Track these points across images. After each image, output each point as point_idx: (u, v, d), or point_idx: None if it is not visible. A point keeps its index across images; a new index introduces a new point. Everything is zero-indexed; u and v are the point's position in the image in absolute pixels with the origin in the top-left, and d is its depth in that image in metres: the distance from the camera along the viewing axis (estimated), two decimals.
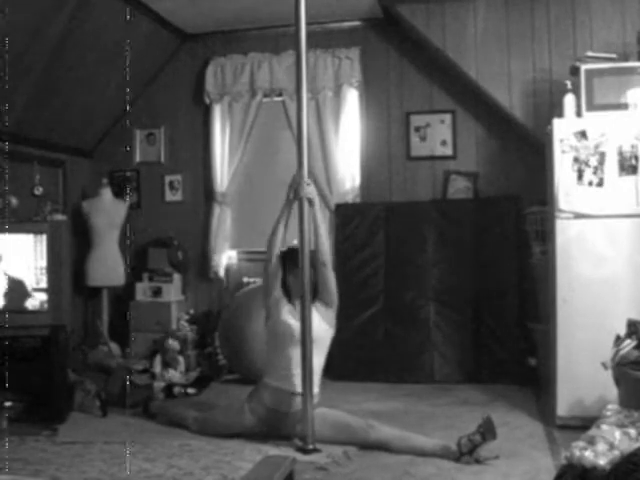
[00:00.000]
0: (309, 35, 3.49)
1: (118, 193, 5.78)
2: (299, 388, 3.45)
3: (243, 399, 3.66)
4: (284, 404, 3.52)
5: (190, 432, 3.70)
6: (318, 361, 3.56)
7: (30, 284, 4.23)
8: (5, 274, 4.20)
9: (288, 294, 3.69)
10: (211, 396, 4.62)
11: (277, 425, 3.53)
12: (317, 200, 3.59)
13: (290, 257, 3.63)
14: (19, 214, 4.63)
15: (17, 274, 4.19)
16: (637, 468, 2.15)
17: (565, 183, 3.75)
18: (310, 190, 3.49)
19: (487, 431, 3.19)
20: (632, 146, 3.69)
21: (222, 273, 5.67)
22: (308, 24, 3.47)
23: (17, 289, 4.20)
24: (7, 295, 4.18)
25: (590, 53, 4.14)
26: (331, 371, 5.01)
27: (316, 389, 3.54)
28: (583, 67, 3.94)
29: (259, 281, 5.40)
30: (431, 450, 3.29)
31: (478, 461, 3.17)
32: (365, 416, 3.96)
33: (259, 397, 3.58)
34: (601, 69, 3.95)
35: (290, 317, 3.59)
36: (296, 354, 3.49)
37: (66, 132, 5.47)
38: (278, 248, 3.64)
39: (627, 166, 3.70)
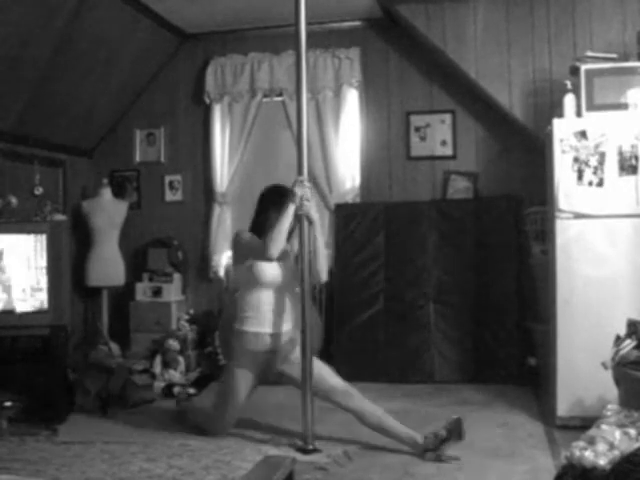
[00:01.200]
0: (309, 35, 3.49)
1: (118, 193, 5.78)
2: (274, 328, 3.58)
3: (226, 367, 3.68)
4: (264, 344, 3.58)
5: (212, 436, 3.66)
6: (289, 302, 3.66)
7: (31, 284, 4.23)
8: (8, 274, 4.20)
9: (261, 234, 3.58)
10: (211, 396, 4.62)
11: (265, 367, 3.61)
12: (317, 218, 3.57)
13: (274, 196, 3.64)
14: (19, 214, 4.63)
15: (22, 275, 4.19)
16: (637, 468, 2.15)
17: (565, 183, 3.75)
18: (307, 194, 3.47)
19: (454, 430, 3.23)
20: (632, 146, 3.70)
21: (222, 273, 5.66)
22: (308, 24, 3.48)
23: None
24: (9, 295, 4.18)
25: (590, 53, 4.14)
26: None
27: (289, 326, 3.63)
28: (583, 67, 3.94)
29: None
30: (400, 438, 3.34)
31: (440, 459, 3.19)
32: None
33: (240, 348, 3.58)
34: (601, 69, 3.95)
35: (263, 264, 3.56)
36: (266, 297, 3.58)
37: (66, 132, 5.47)
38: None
39: (627, 166, 3.70)
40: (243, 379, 3.59)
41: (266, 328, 3.59)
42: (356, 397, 3.50)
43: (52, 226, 4.32)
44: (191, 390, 4.66)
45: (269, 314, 3.59)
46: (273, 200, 3.63)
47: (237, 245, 3.66)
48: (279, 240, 3.44)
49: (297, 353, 3.55)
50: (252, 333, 3.58)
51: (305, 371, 3.45)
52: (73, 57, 4.84)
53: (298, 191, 3.43)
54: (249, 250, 3.58)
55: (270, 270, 3.58)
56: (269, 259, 3.47)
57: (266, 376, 3.68)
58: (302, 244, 3.48)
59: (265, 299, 3.60)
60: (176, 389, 4.63)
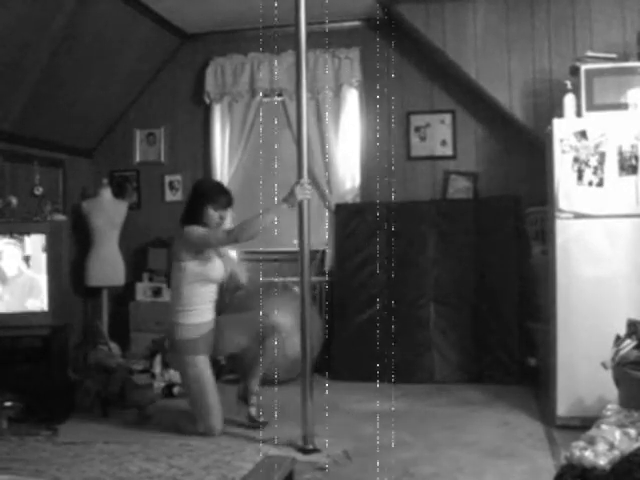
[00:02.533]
0: (309, 35, 3.49)
1: (118, 193, 5.78)
2: (209, 317, 3.78)
3: (181, 361, 3.75)
4: (203, 331, 3.73)
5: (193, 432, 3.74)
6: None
7: (30, 284, 4.23)
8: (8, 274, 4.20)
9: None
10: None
11: (212, 344, 3.79)
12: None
13: (214, 192, 3.80)
14: (19, 214, 4.63)
15: (21, 274, 4.19)
16: (637, 468, 2.15)
17: (565, 183, 3.75)
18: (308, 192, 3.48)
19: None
20: (632, 146, 3.70)
21: None
22: (308, 24, 3.47)
23: (21, 290, 4.20)
24: (10, 295, 4.18)
25: (590, 53, 4.13)
26: (331, 371, 5.03)
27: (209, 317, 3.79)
28: (583, 67, 3.94)
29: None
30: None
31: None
32: (365, 416, 3.97)
33: (188, 339, 3.69)
34: (601, 69, 3.95)
35: (216, 261, 3.75)
36: (210, 290, 3.77)
37: (66, 132, 5.47)
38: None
39: (627, 166, 3.70)
40: (204, 364, 3.73)
41: (207, 318, 3.77)
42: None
43: (52, 226, 4.32)
44: None
45: (210, 305, 3.79)
46: (212, 197, 3.75)
47: (190, 238, 3.66)
48: (252, 232, 3.54)
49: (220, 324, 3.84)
50: (196, 325, 3.72)
51: (305, 369, 3.45)
52: (73, 57, 4.84)
53: (299, 194, 3.42)
54: (203, 241, 3.65)
55: (220, 268, 3.80)
56: (233, 241, 3.60)
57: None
58: (302, 244, 3.48)
59: (209, 292, 3.78)
60: (176, 389, 4.63)
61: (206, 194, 3.78)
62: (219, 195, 3.79)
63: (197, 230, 3.66)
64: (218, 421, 3.72)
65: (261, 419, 3.84)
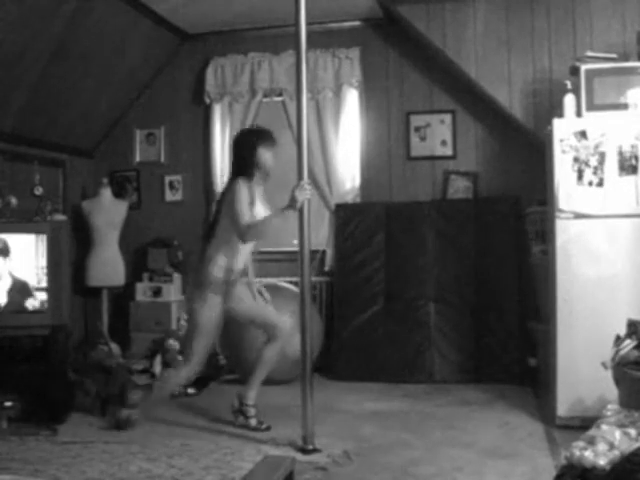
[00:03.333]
0: (309, 35, 3.49)
1: (118, 193, 5.78)
2: (240, 265, 3.77)
3: (198, 295, 3.71)
4: (227, 275, 3.70)
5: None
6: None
7: (32, 284, 4.23)
8: (10, 274, 4.20)
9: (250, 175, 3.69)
10: (211, 396, 4.63)
11: (231, 299, 3.76)
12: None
13: (266, 136, 3.76)
14: (19, 214, 4.63)
15: (21, 275, 4.19)
16: (637, 468, 2.15)
17: (565, 183, 3.75)
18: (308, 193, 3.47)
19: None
20: (632, 146, 3.70)
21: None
22: (308, 24, 3.47)
23: (21, 290, 4.20)
24: (10, 295, 4.18)
25: (590, 53, 4.13)
26: (331, 371, 5.03)
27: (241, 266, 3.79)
28: (583, 67, 3.94)
29: (259, 281, 5.40)
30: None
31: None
32: (365, 416, 3.97)
33: (215, 277, 3.66)
34: (601, 69, 3.95)
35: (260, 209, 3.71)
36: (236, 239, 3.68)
37: (66, 132, 5.47)
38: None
39: (627, 166, 3.70)
40: (216, 307, 3.69)
41: (238, 267, 3.75)
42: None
43: (52, 226, 4.32)
44: (191, 390, 4.66)
45: (242, 259, 3.77)
46: (262, 136, 3.73)
47: (236, 197, 3.60)
48: (259, 233, 3.60)
49: (240, 291, 3.83)
50: (226, 268, 3.69)
51: (305, 369, 3.45)
52: (73, 57, 4.84)
53: (299, 196, 3.41)
54: (239, 211, 3.59)
55: (262, 214, 3.71)
56: (244, 234, 3.56)
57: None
58: (302, 244, 3.48)
59: (247, 247, 3.77)
60: (176, 389, 4.63)
61: (255, 136, 3.75)
62: (266, 133, 3.78)
63: (244, 196, 3.60)
64: (193, 370, 3.78)
65: (263, 425, 3.82)
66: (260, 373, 3.86)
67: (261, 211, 3.69)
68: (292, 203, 3.43)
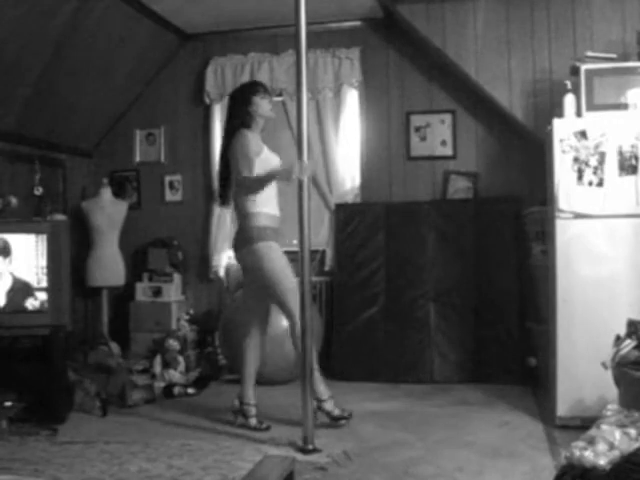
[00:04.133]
0: (309, 35, 3.49)
1: (118, 193, 5.78)
2: (277, 210, 3.82)
3: (254, 251, 3.70)
4: (276, 222, 3.80)
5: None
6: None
7: (32, 284, 4.23)
8: (11, 274, 4.20)
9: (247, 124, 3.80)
10: (211, 396, 4.63)
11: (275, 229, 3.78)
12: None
13: (258, 87, 3.89)
14: (19, 214, 4.63)
15: (22, 275, 4.19)
16: (637, 468, 2.15)
17: (565, 183, 3.75)
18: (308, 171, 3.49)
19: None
20: (632, 146, 3.69)
21: (222, 273, 5.67)
22: (308, 24, 3.47)
23: (21, 290, 4.20)
24: (10, 295, 4.18)
25: (590, 53, 4.13)
26: (331, 371, 5.03)
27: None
28: (583, 67, 3.94)
29: None
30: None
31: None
32: (365, 416, 3.97)
33: (266, 226, 3.71)
34: (601, 69, 3.94)
35: (273, 156, 3.83)
36: (274, 187, 3.80)
37: (66, 132, 5.47)
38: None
39: (627, 166, 3.70)
40: (278, 250, 3.72)
41: (274, 211, 3.80)
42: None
43: (52, 226, 4.31)
44: (191, 390, 4.66)
45: (275, 200, 3.81)
46: (254, 87, 3.89)
47: (241, 144, 3.71)
48: (255, 186, 3.69)
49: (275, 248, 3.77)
50: (265, 213, 3.74)
51: (305, 370, 3.45)
52: (73, 57, 4.84)
53: (296, 172, 3.43)
54: (244, 158, 3.69)
55: (273, 159, 3.82)
56: (243, 183, 3.70)
57: None
58: (302, 244, 3.48)
59: (274, 187, 3.80)
60: (176, 389, 4.63)
61: (248, 88, 3.90)
62: (258, 84, 3.94)
63: (252, 145, 3.72)
64: (298, 321, 3.60)
65: (263, 425, 3.80)
66: (247, 368, 3.86)
67: (272, 158, 3.81)
68: (287, 175, 3.49)
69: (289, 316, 3.69)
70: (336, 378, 4.91)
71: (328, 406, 3.76)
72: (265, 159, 3.76)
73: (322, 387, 3.77)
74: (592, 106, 3.87)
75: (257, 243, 3.68)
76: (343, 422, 3.76)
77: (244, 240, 3.74)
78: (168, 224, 5.80)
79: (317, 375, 3.72)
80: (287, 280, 3.68)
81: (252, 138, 3.75)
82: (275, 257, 3.70)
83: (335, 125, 5.48)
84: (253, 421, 3.81)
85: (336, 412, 3.76)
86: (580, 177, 3.74)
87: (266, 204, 3.74)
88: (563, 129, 3.77)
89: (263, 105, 3.82)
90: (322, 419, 3.73)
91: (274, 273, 3.68)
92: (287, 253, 5.30)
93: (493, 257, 4.96)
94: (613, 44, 4.32)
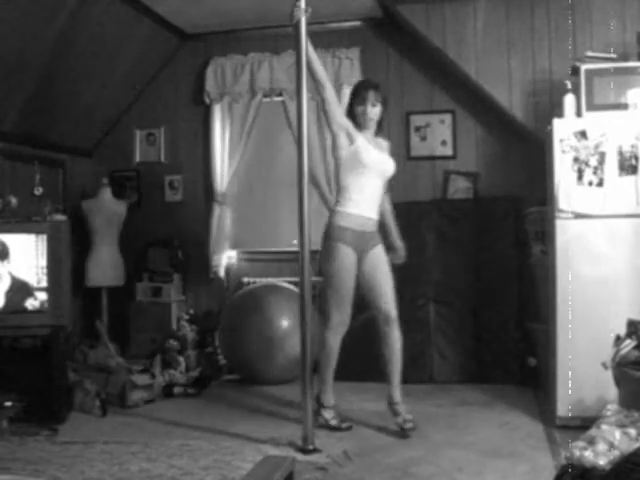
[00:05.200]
0: (309, 35, 3.49)
1: (118, 193, 5.78)
2: (370, 213, 3.76)
3: (327, 248, 3.72)
4: (364, 224, 3.74)
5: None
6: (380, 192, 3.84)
7: (32, 284, 4.23)
8: (10, 274, 4.19)
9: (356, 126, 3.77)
10: (211, 396, 4.63)
11: (361, 245, 3.73)
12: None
13: (358, 90, 3.83)
14: (19, 214, 4.62)
15: (21, 275, 4.19)
16: (637, 468, 2.15)
17: (565, 183, 3.75)
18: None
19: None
20: (632, 146, 3.69)
21: (222, 273, 5.66)
22: (308, 24, 3.47)
23: (20, 290, 4.20)
24: (9, 295, 4.18)
25: (590, 53, 4.13)
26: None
27: (376, 216, 3.82)
28: (583, 67, 3.94)
29: (259, 281, 5.41)
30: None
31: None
32: (365, 416, 3.97)
33: (341, 227, 3.70)
34: (601, 69, 3.94)
35: (369, 149, 3.71)
36: (366, 181, 3.72)
37: (66, 132, 5.47)
38: (327, 76, 3.74)
39: (627, 166, 3.70)
40: (347, 255, 3.68)
41: (364, 211, 3.74)
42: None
43: (52, 226, 4.31)
44: (191, 390, 4.66)
45: (370, 199, 3.75)
46: (355, 93, 3.83)
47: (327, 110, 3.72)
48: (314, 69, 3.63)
49: (379, 249, 3.82)
50: (355, 215, 3.71)
51: (305, 369, 3.45)
52: (73, 57, 4.85)
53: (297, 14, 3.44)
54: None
55: (371, 154, 3.72)
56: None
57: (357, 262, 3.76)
58: (302, 244, 3.48)
59: (366, 183, 3.72)
60: (176, 389, 4.63)
61: (351, 95, 3.87)
62: (360, 90, 3.82)
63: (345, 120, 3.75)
64: (345, 318, 3.76)
65: (344, 424, 3.78)
66: (325, 365, 3.87)
67: (375, 155, 3.74)
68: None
69: (323, 318, 3.83)
70: (336, 378, 4.90)
71: (329, 414, 3.83)
72: (359, 148, 3.70)
73: (330, 394, 3.89)
74: (592, 106, 3.87)
75: (329, 241, 3.72)
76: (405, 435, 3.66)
77: (323, 235, 3.78)
78: (168, 224, 5.80)
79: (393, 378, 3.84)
80: (336, 287, 3.72)
81: (352, 126, 3.74)
82: (336, 260, 3.70)
83: None
84: (400, 419, 3.72)
85: (400, 420, 3.71)
86: (580, 177, 3.74)
87: (356, 206, 3.71)
88: (563, 129, 3.77)
89: (359, 110, 3.78)
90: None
91: (327, 274, 3.76)
92: (287, 253, 5.36)
93: (493, 257, 4.96)
94: (613, 44, 4.32)
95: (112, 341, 5.16)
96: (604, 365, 3.24)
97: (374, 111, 3.75)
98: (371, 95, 3.74)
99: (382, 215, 3.89)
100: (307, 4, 3.44)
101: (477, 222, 5.04)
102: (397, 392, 3.81)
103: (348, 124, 3.72)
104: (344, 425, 3.77)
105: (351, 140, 3.69)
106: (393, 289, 3.85)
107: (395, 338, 3.84)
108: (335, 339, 3.80)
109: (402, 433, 3.63)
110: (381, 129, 3.89)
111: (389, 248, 3.91)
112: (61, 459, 3.33)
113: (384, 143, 3.92)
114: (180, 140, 5.88)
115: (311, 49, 3.58)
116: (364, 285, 3.79)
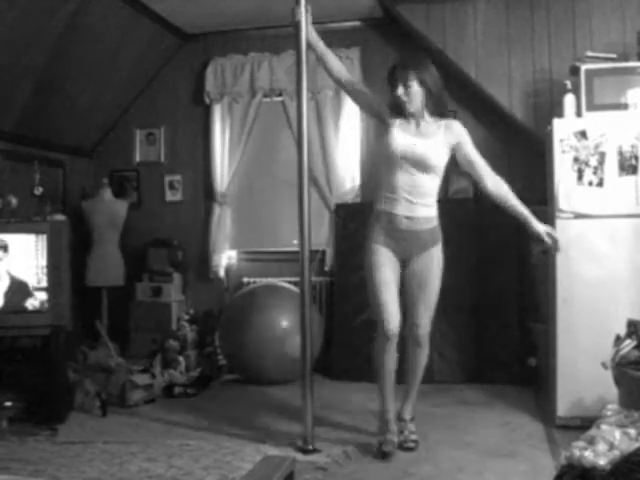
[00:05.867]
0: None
1: (118, 193, 5.78)
2: (406, 211, 3.36)
3: (363, 248, 3.45)
4: (399, 223, 3.37)
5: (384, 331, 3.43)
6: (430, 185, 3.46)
7: (32, 284, 4.23)
8: (9, 274, 4.20)
9: (397, 114, 3.39)
10: (211, 396, 4.62)
11: (402, 248, 3.41)
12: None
13: (389, 72, 3.40)
14: (19, 214, 4.63)
15: (20, 274, 4.19)
16: (637, 468, 2.15)
17: (565, 183, 3.75)
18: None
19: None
20: (632, 146, 3.69)
21: (222, 273, 5.67)
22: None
23: (20, 290, 4.20)
24: (8, 295, 4.18)
25: (590, 53, 4.13)
26: (331, 371, 5.03)
27: (430, 212, 3.52)
28: (583, 67, 3.94)
29: (259, 281, 5.41)
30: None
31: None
32: (365, 416, 3.97)
33: (376, 225, 3.40)
34: (601, 69, 3.95)
35: (396, 137, 3.33)
36: (402, 178, 3.32)
37: (66, 132, 5.47)
38: (339, 68, 3.54)
39: (627, 166, 3.70)
40: (380, 254, 3.36)
41: (400, 210, 3.36)
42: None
43: (52, 226, 4.31)
44: (191, 390, 4.66)
45: (405, 195, 3.34)
46: (387, 76, 3.42)
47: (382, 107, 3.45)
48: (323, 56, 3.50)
49: (437, 251, 3.55)
50: (386, 213, 3.37)
51: (305, 370, 3.45)
52: (73, 57, 4.85)
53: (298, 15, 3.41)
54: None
55: (401, 139, 3.32)
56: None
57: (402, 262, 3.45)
58: (302, 244, 3.48)
59: (401, 178, 3.33)
60: (176, 389, 4.63)
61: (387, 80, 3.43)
62: (390, 71, 3.39)
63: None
64: (391, 321, 3.35)
65: (412, 444, 3.42)
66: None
67: (403, 140, 3.31)
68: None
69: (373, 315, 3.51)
70: (336, 378, 4.92)
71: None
72: (387, 135, 3.36)
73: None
74: (592, 106, 3.87)
75: (365, 240, 3.46)
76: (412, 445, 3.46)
77: (369, 228, 3.50)
78: (168, 224, 5.80)
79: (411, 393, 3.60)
80: (370, 282, 3.39)
81: (389, 115, 3.41)
82: (369, 258, 3.40)
83: (335, 125, 5.48)
84: (395, 438, 3.44)
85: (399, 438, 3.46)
86: (580, 177, 3.74)
87: (389, 202, 3.37)
88: (563, 129, 3.77)
89: (393, 95, 3.38)
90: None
91: (365, 272, 3.45)
92: (287, 253, 5.36)
93: (493, 257, 4.96)
94: (613, 44, 4.32)
95: (112, 341, 5.16)
96: (604, 365, 3.24)
97: (408, 93, 3.29)
98: (400, 75, 3.30)
99: (501, 201, 3.54)
100: (307, 4, 3.44)
101: (477, 222, 5.04)
102: (407, 408, 3.58)
103: (380, 111, 3.42)
104: (386, 449, 3.34)
105: (385, 128, 3.38)
106: (431, 305, 3.56)
107: (415, 355, 3.53)
108: (380, 347, 3.46)
109: (400, 446, 3.41)
110: (442, 111, 3.46)
111: (531, 239, 3.43)
112: (61, 459, 3.33)
113: (437, 127, 3.40)
114: (180, 140, 5.88)
115: (322, 44, 3.46)
116: (403, 293, 3.47)
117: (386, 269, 3.37)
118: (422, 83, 3.33)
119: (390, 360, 3.46)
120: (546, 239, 3.33)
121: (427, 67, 3.40)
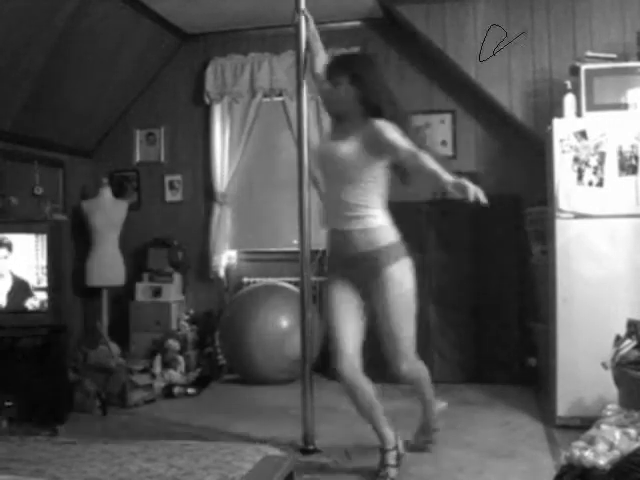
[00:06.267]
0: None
1: (118, 193, 5.78)
2: (340, 225, 3.00)
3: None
4: (337, 243, 3.06)
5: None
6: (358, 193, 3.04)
7: (32, 284, 4.23)
8: (11, 273, 4.20)
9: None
10: (211, 396, 4.62)
11: (347, 268, 3.03)
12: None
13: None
14: (19, 214, 4.63)
15: (22, 274, 4.19)
16: (637, 468, 2.15)
17: (565, 183, 3.75)
18: None
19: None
20: (632, 146, 3.70)
21: (222, 273, 5.66)
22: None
23: (21, 290, 4.20)
24: (10, 295, 4.18)
25: (590, 53, 4.13)
26: (331, 371, 5.02)
27: (369, 224, 3.09)
28: (583, 67, 3.94)
29: (259, 281, 5.41)
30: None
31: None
32: None
33: (329, 249, 3.13)
34: (601, 69, 3.95)
35: (322, 140, 3.23)
36: (330, 185, 3.04)
37: (66, 132, 5.47)
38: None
39: (627, 166, 3.70)
40: (333, 287, 3.04)
41: (332, 224, 3.05)
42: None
43: (52, 226, 4.31)
44: (191, 390, 4.66)
45: (335, 208, 3.01)
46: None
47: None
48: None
49: (395, 271, 3.03)
50: (327, 231, 3.08)
51: (305, 370, 3.45)
52: (73, 57, 4.84)
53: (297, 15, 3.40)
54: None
55: (321, 147, 3.19)
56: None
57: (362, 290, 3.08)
58: (302, 244, 3.48)
59: (329, 188, 3.06)
60: (176, 389, 4.63)
61: None
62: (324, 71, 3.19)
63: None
64: (342, 362, 3.08)
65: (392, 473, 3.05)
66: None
67: (325, 146, 3.13)
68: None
69: None
70: (336, 378, 4.90)
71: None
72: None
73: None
74: (592, 106, 3.87)
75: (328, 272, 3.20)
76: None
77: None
78: (168, 224, 5.79)
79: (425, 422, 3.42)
80: (325, 315, 3.11)
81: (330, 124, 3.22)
82: (325, 288, 3.14)
83: None
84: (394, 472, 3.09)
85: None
86: (580, 177, 3.74)
87: (327, 217, 3.12)
88: (563, 129, 3.77)
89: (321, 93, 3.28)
90: None
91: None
92: (287, 253, 5.36)
93: (493, 257, 4.96)
94: (613, 44, 4.32)
95: (112, 341, 5.16)
96: (604, 365, 3.24)
97: (336, 93, 3.00)
98: (329, 74, 3.05)
99: (422, 173, 3.15)
100: (307, 4, 3.44)
101: (477, 222, 5.04)
102: (417, 437, 3.40)
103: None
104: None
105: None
106: (401, 337, 3.18)
107: (412, 385, 3.37)
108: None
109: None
110: (374, 111, 2.98)
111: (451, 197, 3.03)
112: (61, 459, 3.32)
113: (359, 128, 2.97)
114: (180, 140, 5.87)
115: (319, 45, 3.40)
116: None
117: (340, 304, 3.05)
118: (354, 81, 2.96)
119: (359, 395, 3.14)
120: (452, 190, 2.91)
121: (361, 67, 3.04)
